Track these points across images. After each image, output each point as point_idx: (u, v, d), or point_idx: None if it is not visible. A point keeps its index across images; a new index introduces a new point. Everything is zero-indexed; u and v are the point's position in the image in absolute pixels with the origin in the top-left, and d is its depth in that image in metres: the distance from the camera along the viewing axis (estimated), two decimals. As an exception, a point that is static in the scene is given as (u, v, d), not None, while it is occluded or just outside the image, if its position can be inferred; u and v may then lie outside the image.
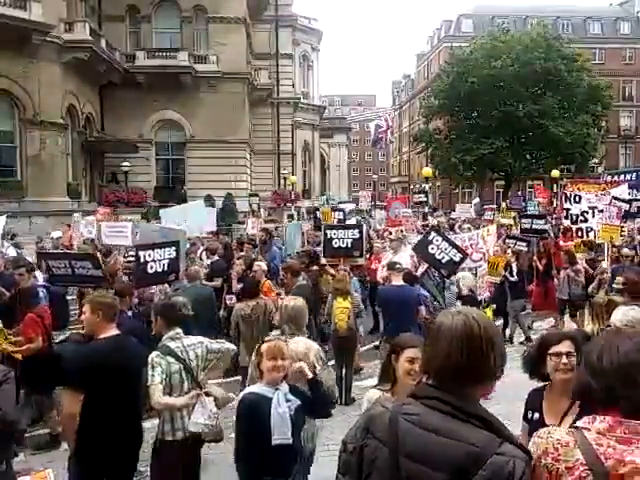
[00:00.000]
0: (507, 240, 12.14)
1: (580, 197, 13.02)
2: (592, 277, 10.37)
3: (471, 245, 10.17)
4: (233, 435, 6.35)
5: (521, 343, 9.92)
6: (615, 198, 13.28)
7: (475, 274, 9.40)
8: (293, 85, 42.39)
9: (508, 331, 10.49)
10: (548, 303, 10.54)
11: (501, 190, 45.23)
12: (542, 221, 13.06)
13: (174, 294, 7.14)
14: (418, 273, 8.65)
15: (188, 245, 10.85)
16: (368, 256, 10.77)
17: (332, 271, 8.94)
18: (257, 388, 3.59)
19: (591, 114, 39.76)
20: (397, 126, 79.97)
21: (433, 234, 8.57)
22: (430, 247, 8.25)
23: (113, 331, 4.17)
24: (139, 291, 7.24)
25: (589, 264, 10.50)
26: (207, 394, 4.27)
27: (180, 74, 30.51)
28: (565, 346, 3.01)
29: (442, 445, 1.64)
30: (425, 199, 20.80)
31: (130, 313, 6.38)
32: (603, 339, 1.77)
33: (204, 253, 11.20)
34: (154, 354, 4.14)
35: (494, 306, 9.31)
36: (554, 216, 18.55)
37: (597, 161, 42.35)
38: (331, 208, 18.14)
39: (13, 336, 5.81)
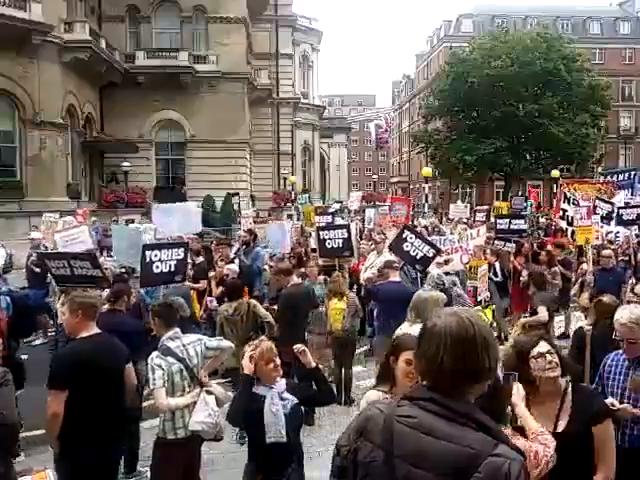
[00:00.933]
0: (496, 242, 12.14)
1: (578, 200, 13.07)
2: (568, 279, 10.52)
3: (460, 247, 10.21)
4: (233, 435, 6.41)
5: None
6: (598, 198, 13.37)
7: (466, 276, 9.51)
8: (293, 85, 42.41)
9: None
10: (525, 304, 10.34)
11: (501, 190, 45.22)
12: (521, 221, 12.77)
13: (169, 293, 7.16)
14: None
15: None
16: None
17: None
18: (252, 387, 3.63)
19: (591, 114, 39.76)
20: (397, 126, 79.99)
21: (407, 232, 8.77)
22: (405, 245, 8.48)
23: (93, 330, 4.13)
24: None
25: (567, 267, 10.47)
26: (208, 392, 4.29)
27: (180, 74, 30.49)
28: (544, 346, 3.09)
29: (438, 447, 1.62)
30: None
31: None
32: None
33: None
34: (154, 355, 4.16)
35: (494, 306, 9.31)
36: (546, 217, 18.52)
37: (595, 160, 42.36)
38: (316, 210, 17.50)
39: None
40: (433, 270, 8.68)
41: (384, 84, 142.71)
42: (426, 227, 16.95)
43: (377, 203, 32.54)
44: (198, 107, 31.32)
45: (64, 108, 25.30)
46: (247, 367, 3.58)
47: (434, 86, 45.65)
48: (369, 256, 10.54)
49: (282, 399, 3.56)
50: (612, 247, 11.42)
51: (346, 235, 8.75)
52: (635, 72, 55.34)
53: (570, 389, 3.09)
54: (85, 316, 4.08)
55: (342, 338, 7.32)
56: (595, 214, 12.63)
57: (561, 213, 13.73)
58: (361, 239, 13.50)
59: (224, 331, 6.60)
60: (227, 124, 31.19)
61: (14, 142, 23.98)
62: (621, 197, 15.21)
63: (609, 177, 18.89)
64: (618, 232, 12.83)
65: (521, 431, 2.72)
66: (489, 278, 10.12)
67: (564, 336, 9.89)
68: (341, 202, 26.42)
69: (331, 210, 22.26)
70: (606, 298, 5.15)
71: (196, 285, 9.37)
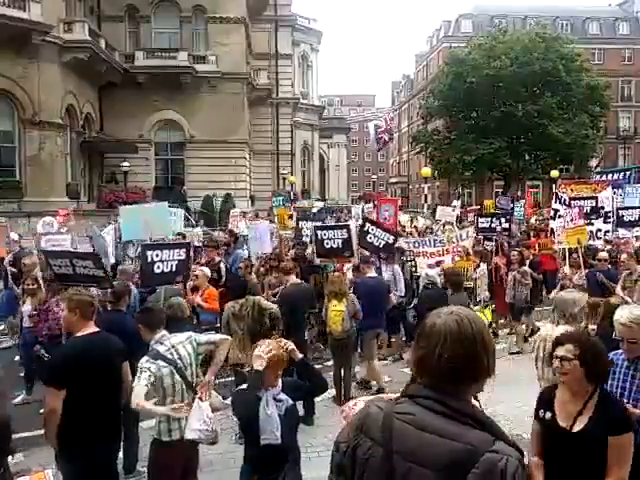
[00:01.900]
0: (486, 242, 12.11)
1: (570, 200, 12.96)
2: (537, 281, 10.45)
3: (453, 248, 10.23)
4: (232, 435, 6.41)
5: None
6: (581, 198, 13.23)
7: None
8: (292, 85, 42.41)
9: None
10: (502, 304, 10.30)
11: (500, 190, 45.26)
12: (502, 220, 12.57)
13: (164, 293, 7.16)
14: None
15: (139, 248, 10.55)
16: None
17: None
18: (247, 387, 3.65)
19: (590, 114, 39.79)
20: (396, 126, 79.99)
21: (367, 225, 9.23)
22: (368, 237, 8.98)
23: (91, 329, 4.20)
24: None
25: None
26: (201, 399, 4.28)
27: (179, 74, 30.49)
28: (562, 350, 3.08)
29: (436, 444, 1.64)
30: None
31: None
32: None
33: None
34: (144, 359, 4.13)
35: (493, 306, 9.33)
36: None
37: (596, 162, 42.39)
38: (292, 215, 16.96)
39: None
40: (424, 270, 8.84)
41: (383, 84, 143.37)
42: (416, 227, 16.93)
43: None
44: (198, 107, 31.33)
45: (63, 108, 25.30)
46: (259, 363, 3.55)
47: (433, 86, 45.67)
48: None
49: (277, 401, 3.57)
50: (608, 247, 11.40)
51: (346, 235, 8.73)
52: (634, 72, 55.38)
53: (597, 393, 3.04)
54: (82, 314, 4.16)
55: (341, 339, 7.31)
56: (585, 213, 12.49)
57: (552, 213, 13.61)
58: None
59: (230, 327, 6.64)
60: (226, 124, 31.20)
61: (13, 142, 23.98)
62: (609, 193, 14.85)
63: (604, 176, 18.77)
64: (608, 230, 12.72)
65: None
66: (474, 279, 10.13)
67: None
68: (325, 200, 25.79)
69: (314, 210, 21.73)
70: (614, 299, 5.18)
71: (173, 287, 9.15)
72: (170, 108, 31.39)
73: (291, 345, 3.73)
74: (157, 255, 6.65)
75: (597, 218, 13.10)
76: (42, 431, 6.32)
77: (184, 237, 13.36)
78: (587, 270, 9.41)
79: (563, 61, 38.53)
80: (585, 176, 33.96)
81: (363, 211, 18.72)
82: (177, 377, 4.16)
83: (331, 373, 7.60)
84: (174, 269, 6.79)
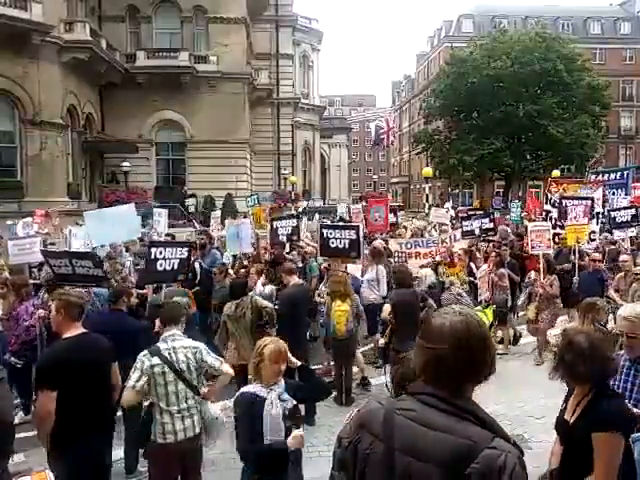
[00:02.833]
0: (480, 243, 12.05)
1: (561, 201, 12.81)
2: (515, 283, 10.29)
3: (445, 249, 10.20)
4: (233, 435, 6.39)
5: None
6: (585, 198, 13.03)
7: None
8: (293, 85, 42.42)
9: None
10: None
11: (501, 190, 45.27)
12: (486, 220, 12.48)
13: (169, 292, 7.15)
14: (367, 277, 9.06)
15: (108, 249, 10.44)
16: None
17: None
18: (253, 388, 3.61)
19: (590, 114, 39.78)
20: (397, 126, 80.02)
21: (323, 230, 8.93)
22: (331, 242, 8.65)
23: (77, 330, 4.19)
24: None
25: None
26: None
27: (180, 74, 30.52)
28: (563, 351, 3.23)
29: (437, 440, 1.66)
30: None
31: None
32: None
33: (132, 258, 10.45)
34: (142, 353, 4.17)
35: (494, 306, 9.29)
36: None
37: (595, 159, 42.36)
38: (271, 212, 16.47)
39: None
40: (426, 274, 8.76)
41: (384, 84, 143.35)
42: (405, 228, 16.85)
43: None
44: (198, 107, 31.34)
45: (64, 108, 25.32)
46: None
47: (434, 86, 45.67)
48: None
49: (281, 400, 3.55)
50: (613, 247, 11.34)
51: (354, 236, 8.67)
52: (635, 72, 55.36)
53: (595, 390, 3.03)
54: (68, 315, 4.15)
55: (343, 339, 7.30)
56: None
57: (544, 215, 13.39)
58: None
59: (228, 328, 6.66)
60: (227, 124, 31.21)
61: (14, 142, 24.02)
62: (599, 194, 14.54)
63: (600, 176, 18.52)
64: (594, 231, 12.40)
65: None
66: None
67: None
68: (312, 199, 25.35)
69: (300, 209, 21.41)
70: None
71: (141, 291, 8.72)
72: (171, 108, 31.42)
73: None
74: (161, 252, 6.69)
75: (590, 220, 12.96)
76: (101, 448, 6.32)
77: (173, 238, 13.18)
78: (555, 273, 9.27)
79: (564, 61, 38.54)
80: (581, 176, 33.84)
81: (349, 211, 18.49)
82: (171, 376, 4.13)
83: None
84: (176, 267, 6.81)
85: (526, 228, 14.24)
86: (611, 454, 2.88)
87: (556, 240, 11.60)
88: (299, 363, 3.79)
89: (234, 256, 11.36)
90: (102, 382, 4.21)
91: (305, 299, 7.54)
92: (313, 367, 7.80)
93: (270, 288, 8.32)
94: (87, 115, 28.59)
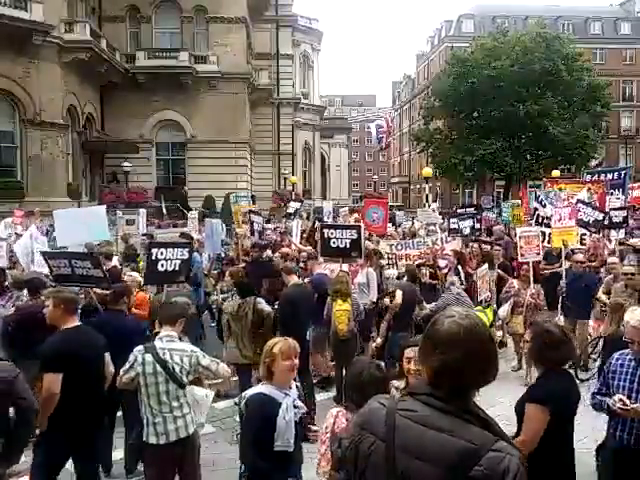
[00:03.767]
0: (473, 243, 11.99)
1: (548, 201, 12.65)
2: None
3: (436, 250, 10.17)
4: (233, 435, 6.40)
5: None
6: (579, 201, 12.80)
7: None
8: (293, 85, 42.44)
9: None
10: None
11: (501, 190, 45.23)
12: (467, 222, 12.41)
13: (177, 292, 7.14)
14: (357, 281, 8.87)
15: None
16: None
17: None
18: (266, 389, 3.55)
19: (591, 114, 39.76)
20: (397, 126, 80.00)
21: (324, 230, 8.84)
22: (332, 242, 8.52)
23: (75, 322, 4.55)
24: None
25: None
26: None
27: (180, 74, 30.54)
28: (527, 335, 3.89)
29: (439, 441, 1.65)
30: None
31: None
32: None
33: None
34: (137, 348, 4.25)
35: (494, 306, 9.28)
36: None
37: (594, 162, 42.32)
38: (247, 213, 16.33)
39: None
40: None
41: (384, 84, 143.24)
42: (396, 227, 16.74)
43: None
44: (199, 107, 31.36)
45: (65, 108, 25.33)
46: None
47: (435, 86, 45.64)
48: (319, 260, 9.97)
49: (295, 407, 3.54)
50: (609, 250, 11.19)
51: (356, 236, 8.64)
52: (636, 72, 55.34)
53: (540, 371, 3.63)
54: (67, 310, 4.51)
55: (344, 339, 7.30)
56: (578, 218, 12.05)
57: (532, 212, 13.08)
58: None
59: (231, 329, 6.69)
60: (227, 124, 31.22)
61: (14, 142, 24.05)
62: (584, 195, 14.25)
63: (596, 176, 18.32)
64: (585, 234, 11.93)
65: None
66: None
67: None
68: (302, 201, 24.84)
69: (290, 210, 21.11)
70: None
71: (105, 292, 8.69)
72: (171, 108, 31.45)
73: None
74: (162, 253, 6.67)
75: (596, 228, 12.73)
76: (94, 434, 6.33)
77: (151, 237, 12.99)
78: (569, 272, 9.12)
79: (564, 61, 38.51)
80: (571, 175, 33.82)
81: (336, 212, 18.30)
82: (161, 377, 4.13)
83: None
84: (177, 268, 6.80)
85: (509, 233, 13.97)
86: (534, 425, 3.37)
87: (545, 237, 11.50)
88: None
89: (209, 256, 11.26)
90: (97, 370, 4.55)
91: (305, 299, 7.52)
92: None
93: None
94: (87, 115, 28.60)
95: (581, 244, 11.30)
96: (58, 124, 24.64)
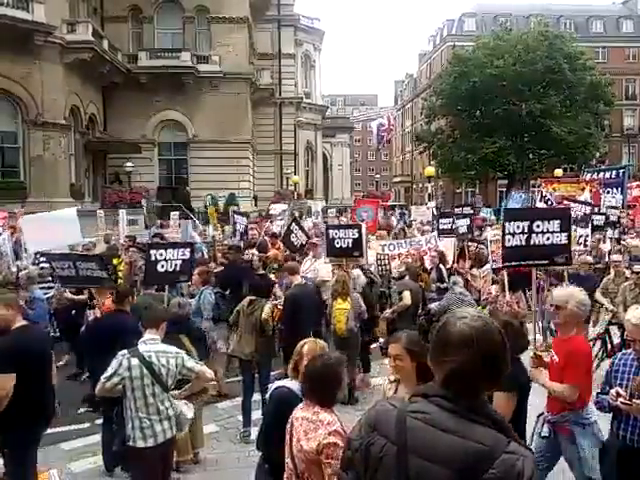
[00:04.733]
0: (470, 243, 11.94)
1: (552, 200, 12.57)
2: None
3: (429, 249, 10.14)
4: (237, 434, 6.43)
5: None
6: (575, 201, 12.68)
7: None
8: (295, 85, 42.44)
9: None
10: None
11: (504, 189, 45.19)
12: (463, 221, 12.08)
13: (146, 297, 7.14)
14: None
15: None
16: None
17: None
18: (291, 384, 3.63)
19: (593, 112, 39.71)
20: (400, 125, 79.98)
21: (329, 230, 9.05)
22: (336, 242, 8.78)
23: (22, 322, 4.66)
24: None
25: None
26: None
27: (182, 74, 30.55)
28: None
29: (451, 443, 1.64)
30: None
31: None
32: None
33: None
34: (121, 353, 4.24)
35: (492, 306, 9.29)
36: None
37: (598, 161, 42.27)
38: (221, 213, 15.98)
39: None
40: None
41: (386, 83, 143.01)
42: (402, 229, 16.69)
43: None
44: (201, 107, 31.38)
45: (67, 109, 25.35)
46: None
47: (437, 85, 45.62)
48: (304, 261, 10.08)
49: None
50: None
51: (357, 235, 8.67)
52: (638, 70, 55.18)
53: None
54: (17, 309, 4.65)
55: (345, 338, 7.31)
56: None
57: None
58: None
59: (239, 322, 6.73)
60: (230, 124, 31.23)
61: (17, 143, 24.08)
62: (586, 195, 14.17)
63: (595, 175, 18.21)
64: (587, 235, 12.18)
65: None
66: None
67: None
68: (288, 203, 24.50)
69: (273, 212, 20.91)
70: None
71: (76, 297, 8.37)
72: (173, 108, 31.47)
73: None
74: (161, 254, 6.66)
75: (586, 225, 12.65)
76: (44, 431, 6.34)
77: (133, 239, 12.75)
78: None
79: (567, 60, 38.46)
80: (571, 175, 33.74)
81: (325, 211, 18.30)
82: (148, 379, 4.17)
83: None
84: (178, 269, 6.79)
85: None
86: (504, 412, 3.32)
87: None
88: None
89: None
90: (47, 369, 4.66)
91: (309, 299, 7.54)
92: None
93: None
94: (90, 115, 28.63)
95: (583, 245, 11.26)
96: (60, 124, 24.66)
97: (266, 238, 12.84)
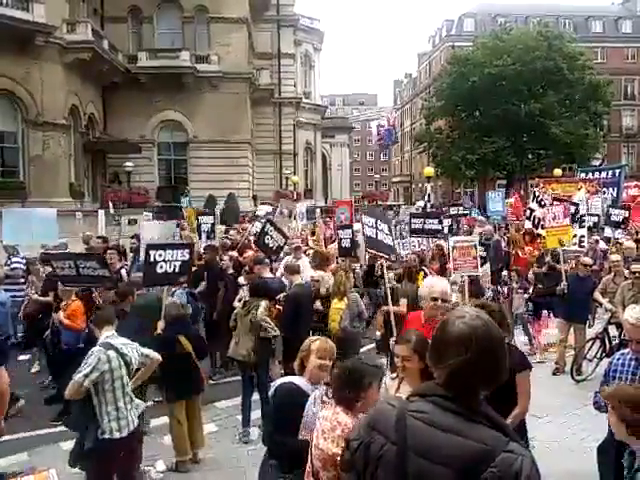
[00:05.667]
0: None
1: (545, 201, 12.56)
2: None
3: (422, 251, 10.14)
4: (235, 434, 6.43)
5: None
6: (572, 203, 12.56)
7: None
8: (295, 85, 42.40)
9: None
10: None
11: (503, 189, 45.16)
12: (435, 220, 11.69)
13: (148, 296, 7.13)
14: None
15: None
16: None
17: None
18: (297, 380, 3.64)
19: (592, 112, 39.73)
20: (399, 125, 79.96)
21: (268, 225, 9.27)
22: (266, 238, 9.06)
23: None
24: None
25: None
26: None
27: (182, 74, 30.55)
28: None
29: (451, 442, 1.64)
30: None
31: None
32: None
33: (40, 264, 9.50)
34: (96, 348, 4.35)
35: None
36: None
37: (598, 161, 42.28)
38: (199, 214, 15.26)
39: None
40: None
41: (386, 83, 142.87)
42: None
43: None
44: (200, 107, 31.38)
45: (67, 108, 25.35)
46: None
47: (436, 85, 45.62)
48: (285, 259, 9.81)
49: (322, 402, 3.57)
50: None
51: (351, 235, 8.76)
52: (637, 71, 55.17)
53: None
54: None
55: (341, 338, 7.31)
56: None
57: (528, 213, 12.85)
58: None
59: (237, 322, 6.76)
60: (229, 124, 31.24)
61: (17, 143, 24.05)
62: (582, 195, 13.83)
63: (591, 174, 18.16)
64: (583, 235, 11.61)
65: None
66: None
67: None
68: (271, 204, 24.35)
69: (258, 212, 20.68)
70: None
71: (42, 299, 8.30)
72: (173, 108, 31.46)
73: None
74: (160, 255, 6.65)
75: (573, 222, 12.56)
76: (44, 430, 6.34)
77: (105, 240, 12.44)
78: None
79: (566, 60, 38.49)
80: (569, 175, 33.74)
81: (313, 212, 18.25)
82: (123, 370, 4.35)
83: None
84: (177, 270, 6.79)
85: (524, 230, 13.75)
86: (528, 388, 3.77)
87: (539, 240, 11.44)
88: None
89: None
90: None
91: (308, 299, 7.56)
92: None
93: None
94: (89, 115, 28.62)
95: (579, 246, 11.22)
96: (60, 124, 24.65)
97: (250, 238, 12.70)
